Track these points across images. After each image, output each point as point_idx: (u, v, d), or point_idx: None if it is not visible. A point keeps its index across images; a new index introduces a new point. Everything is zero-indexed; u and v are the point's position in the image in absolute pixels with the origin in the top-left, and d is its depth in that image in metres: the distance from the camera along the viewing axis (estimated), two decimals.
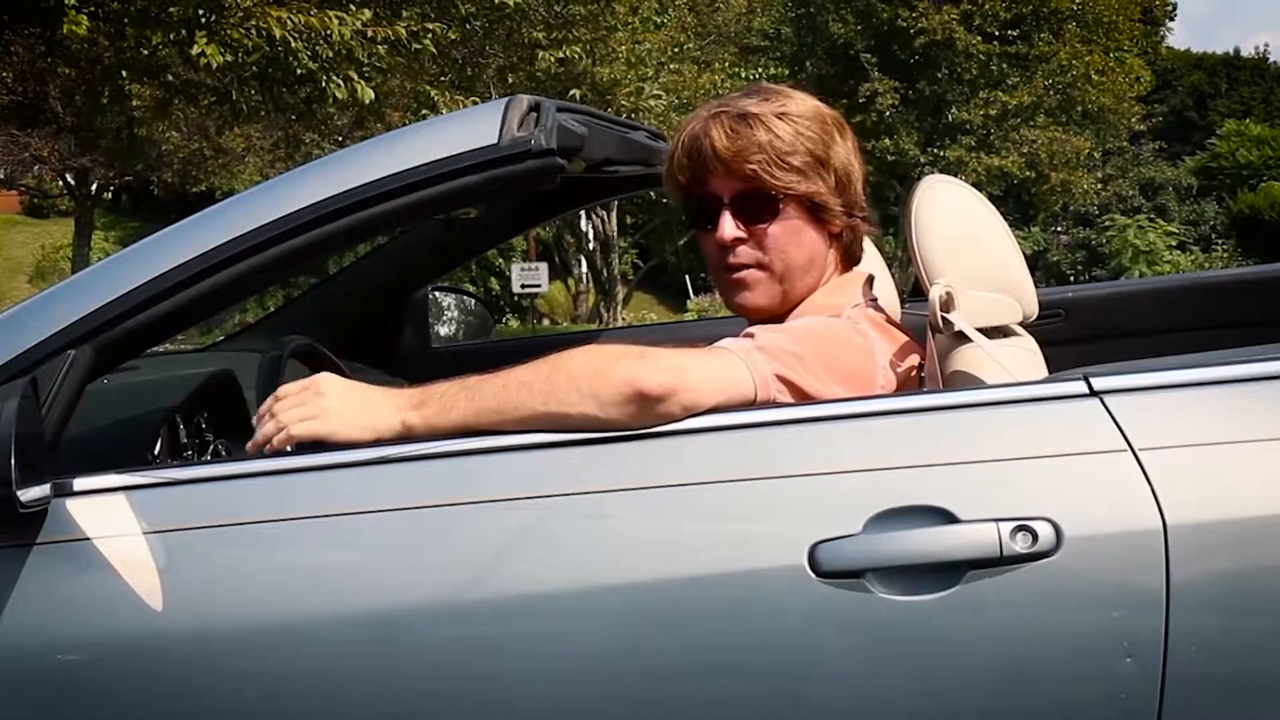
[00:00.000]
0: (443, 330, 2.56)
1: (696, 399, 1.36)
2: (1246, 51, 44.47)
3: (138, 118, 13.74)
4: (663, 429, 1.34)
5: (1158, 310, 2.19)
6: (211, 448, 1.76)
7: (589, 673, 1.29)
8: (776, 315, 1.63)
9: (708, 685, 1.29)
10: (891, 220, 28.89)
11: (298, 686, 1.32)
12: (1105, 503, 1.26)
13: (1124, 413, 1.28)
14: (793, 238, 1.60)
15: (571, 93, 12.22)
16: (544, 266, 19.47)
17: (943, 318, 1.47)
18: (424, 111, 12.00)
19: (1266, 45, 71.79)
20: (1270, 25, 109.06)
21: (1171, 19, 34.36)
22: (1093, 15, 23.28)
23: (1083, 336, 2.20)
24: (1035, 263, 31.63)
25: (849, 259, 1.68)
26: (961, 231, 1.57)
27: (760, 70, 20.63)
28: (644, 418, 1.34)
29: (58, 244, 23.91)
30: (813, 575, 1.25)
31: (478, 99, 11.74)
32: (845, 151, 1.63)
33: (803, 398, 1.42)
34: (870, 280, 1.68)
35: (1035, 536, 1.24)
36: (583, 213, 20.32)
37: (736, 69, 19.64)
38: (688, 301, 24.92)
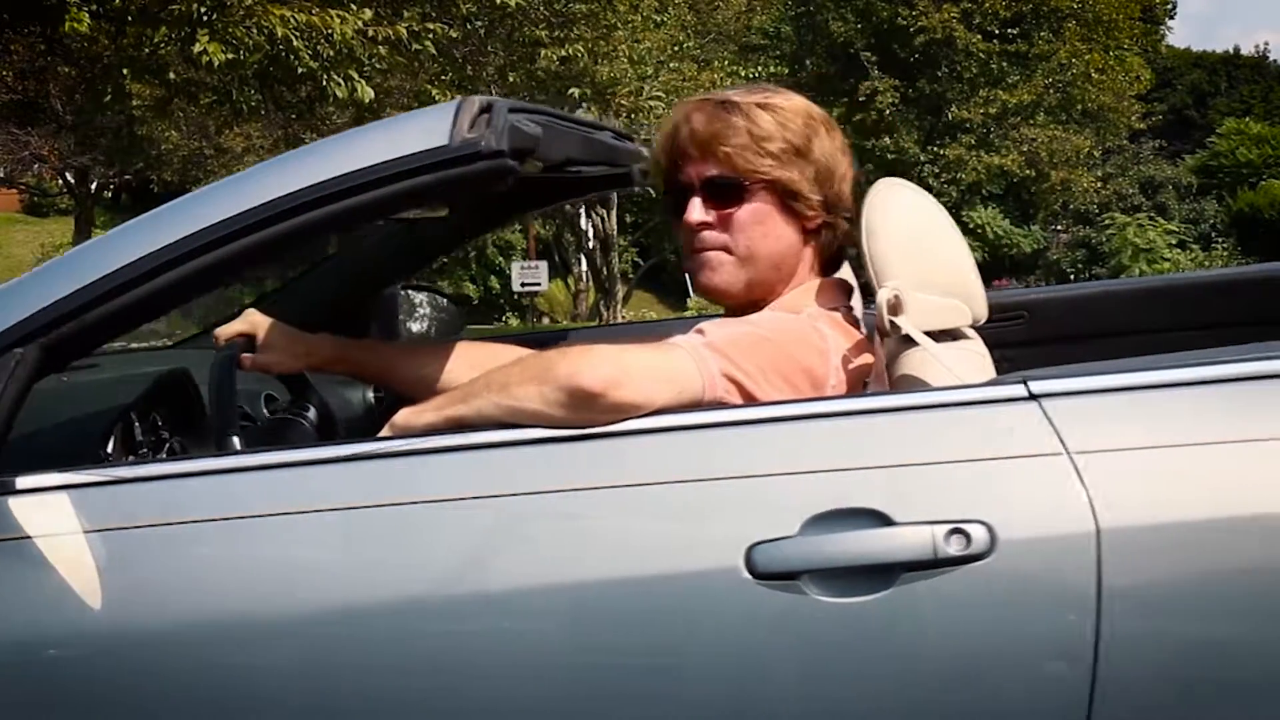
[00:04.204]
0: (415, 328, 2.56)
1: (641, 396, 1.35)
2: (1246, 50, 44.52)
3: (138, 116, 13.75)
4: (604, 430, 1.34)
5: (1119, 312, 2.20)
6: (168, 446, 1.76)
7: (534, 671, 1.30)
8: (743, 306, 1.61)
9: (652, 686, 1.29)
10: None
11: (240, 686, 1.33)
12: (1040, 505, 1.27)
13: (1061, 416, 1.29)
14: (760, 225, 1.58)
15: (571, 91, 12.21)
16: (544, 265, 19.48)
17: (889, 321, 1.47)
18: None
19: (1266, 44, 71.83)
20: (1270, 24, 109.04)
21: (1171, 17, 34.40)
22: (1093, 14, 23.31)
23: (1045, 338, 2.20)
24: (1035, 261, 31.64)
25: (829, 263, 1.65)
26: (912, 235, 1.57)
27: (760, 69, 20.64)
28: (589, 414, 1.34)
29: (57, 243, 23.89)
30: (750, 577, 1.26)
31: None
32: (830, 148, 1.60)
33: (749, 397, 1.42)
34: (850, 291, 1.65)
35: (969, 539, 1.24)
36: (583, 211, 20.32)
37: (736, 68, 19.64)
38: (688, 300, 24.90)
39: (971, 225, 30.86)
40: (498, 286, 26.29)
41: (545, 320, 24.39)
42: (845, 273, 1.67)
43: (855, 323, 1.59)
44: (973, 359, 1.60)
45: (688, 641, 1.28)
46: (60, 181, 22.55)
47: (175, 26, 7.95)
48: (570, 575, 1.30)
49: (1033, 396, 1.30)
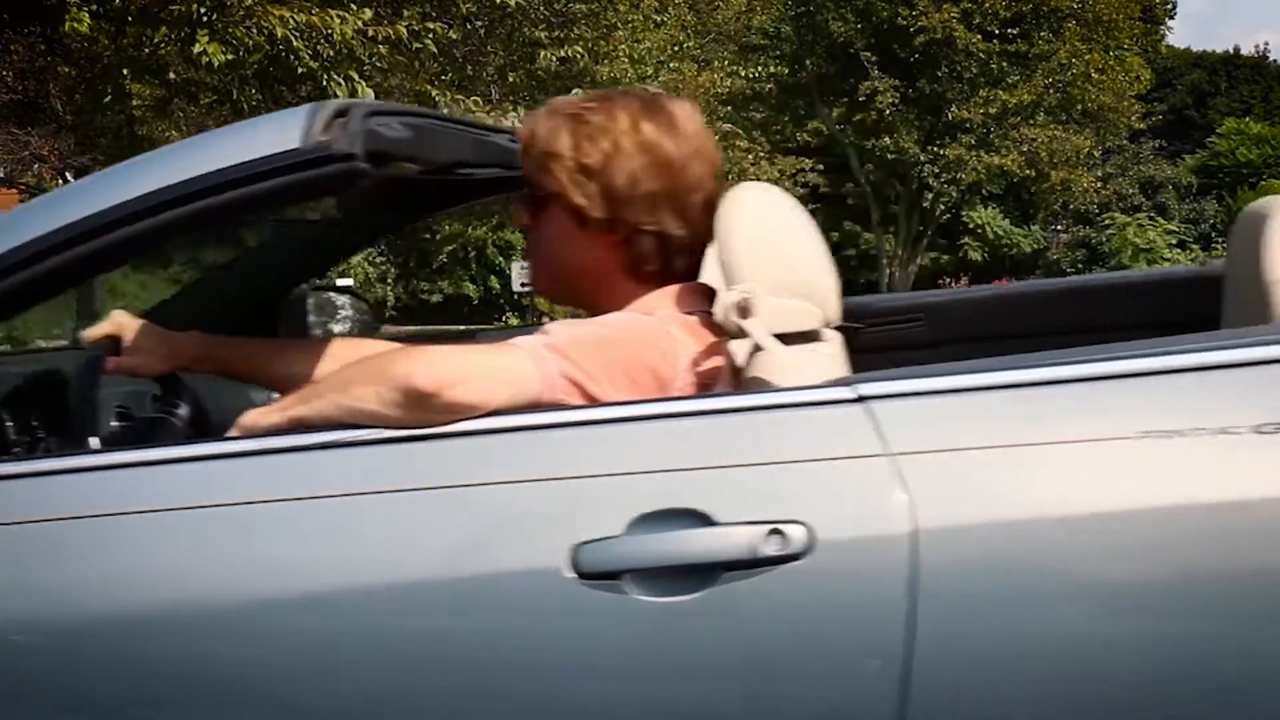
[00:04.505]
0: (333, 329, 2.55)
1: (476, 397, 1.36)
2: (1246, 50, 44.53)
3: (138, 116, 13.74)
4: (436, 431, 1.35)
5: (1023, 315, 2.23)
6: (43, 445, 1.76)
7: (359, 671, 1.31)
8: (586, 308, 1.64)
9: (482, 685, 1.30)
10: (892, 219, 28.64)
11: (72, 684, 1.34)
12: (859, 506, 1.28)
13: (885, 418, 1.30)
14: (555, 236, 1.61)
15: (574, 91, 12.23)
16: None
17: (733, 323, 1.48)
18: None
19: (1266, 44, 71.90)
20: (1270, 24, 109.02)
21: (1171, 17, 34.41)
22: (1093, 14, 23.31)
23: (941, 340, 2.22)
24: (1035, 261, 31.67)
25: (658, 273, 1.63)
26: (764, 239, 1.57)
27: (760, 69, 20.64)
28: (423, 415, 1.35)
29: None
30: (574, 576, 1.27)
31: (479, 98, 11.74)
32: (635, 167, 1.58)
33: (591, 398, 1.43)
34: (712, 295, 1.63)
35: (788, 539, 1.26)
36: None
37: (736, 68, 19.65)
38: None
39: (971, 225, 30.90)
40: (498, 286, 26.29)
41: (545, 320, 24.39)
42: (712, 277, 1.68)
43: (715, 326, 1.59)
44: (822, 361, 1.61)
45: (513, 641, 1.30)
46: (60, 181, 22.56)
47: (175, 26, 7.97)
48: (395, 576, 1.31)
49: (860, 399, 1.32)
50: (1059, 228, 32.99)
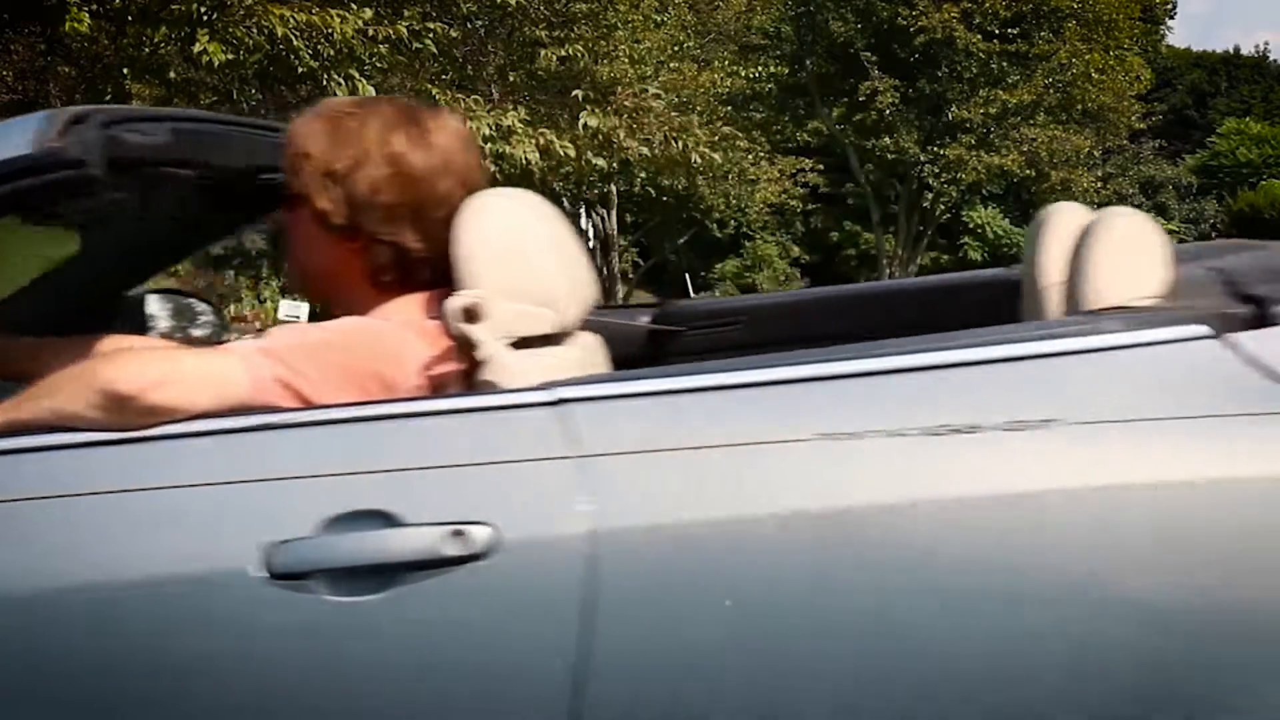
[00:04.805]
0: (176, 332, 2.53)
1: (180, 400, 1.37)
2: (1246, 50, 44.52)
3: None
4: (133, 435, 1.36)
5: (823, 318, 2.27)
6: None
7: (51, 675, 1.32)
8: (341, 310, 1.64)
9: (176, 689, 1.31)
10: (892, 219, 28.58)
11: None
12: (544, 508, 1.30)
13: (581, 422, 1.33)
14: (302, 238, 1.63)
15: (575, 92, 12.21)
16: None
17: (457, 328, 1.49)
18: None
19: (1266, 44, 71.89)
20: (1270, 24, 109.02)
21: (1171, 17, 34.38)
22: (1093, 14, 23.28)
23: (760, 343, 2.22)
24: None
25: (397, 282, 1.64)
26: (502, 245, 1.58)
27: (760, 69, 20.63)
28: (125, 417, 1.36)
29: None
30: (265, 577, 1.29)
31: (479, 98, 11.73)
32: (378, 177, 1.59)
33: (306, 401, 1.43)
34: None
35: (471, 539, 1.28)
36: (583, 211, 20.31)
37: (736, 67, 19.64)
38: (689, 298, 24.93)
39: (971, 225, 30.89)
40: None
41: None
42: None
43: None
44: (559, 365, 1.62)
45: (213, 644, 1.31)
46: None
47: (175, 26, 7.97)
48: (88, 578, 1.31)
49: (559, 402, 1.34)
50: None
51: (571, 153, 11.22)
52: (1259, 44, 72.43)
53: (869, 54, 23.11)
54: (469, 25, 11.42)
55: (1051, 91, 23.35)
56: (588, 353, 1.76)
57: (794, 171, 21.98)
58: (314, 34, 7.88)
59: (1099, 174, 27.65)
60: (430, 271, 1.62)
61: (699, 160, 12.56)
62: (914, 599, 1.25)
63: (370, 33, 8.29)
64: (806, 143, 25.29)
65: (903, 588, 1.26)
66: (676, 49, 17.85)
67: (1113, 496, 1.25)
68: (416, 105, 1.71)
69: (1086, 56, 22.95)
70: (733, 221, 25.60)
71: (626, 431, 1.33)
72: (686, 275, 26.00)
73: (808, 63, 24.15)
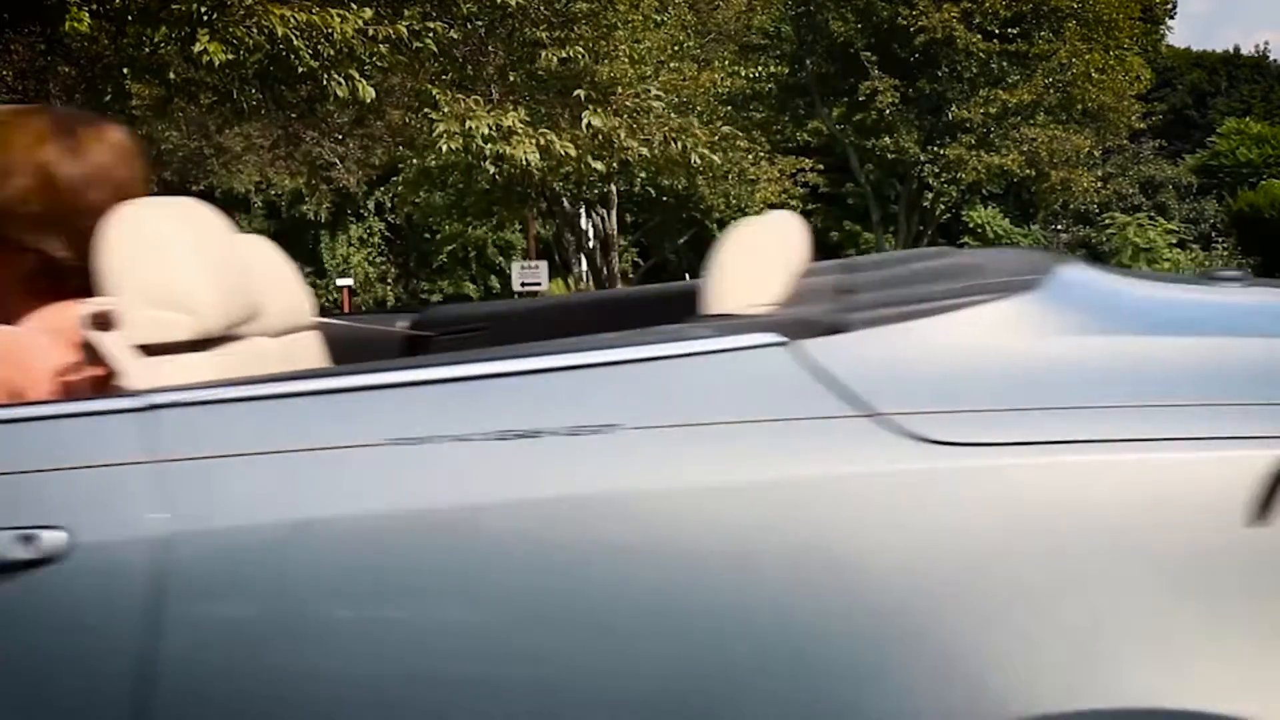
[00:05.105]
0: None
1: None
2: (1246, 50, 44.52)
3: (138, 116, 13.74)
4: None
5: (557, 324, 2.31)
6: None
7: None
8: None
9: None
10: (892, 219, 28.56)
11: None
12: (121, 511, 1.32)
13: (166, 427, 1.35)
14: None
15: (576, 93, 12.22)
16: (544, 265, 19.49)
17: (85, 335, 1.50)
18: (425, 110, 12.00)
19: (1266, 43, 71.93)
20: (1270, 24, 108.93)
21: (1172, 17, 34.37)
22: (1093, 13, 23.30)
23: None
24: None
25: (49, 290, 1.67)
26: (142, 253, 1.60)
27: (760, 69, 20.63)
28: None
29: None
30: None
31: (479, 97, 11.73)
32: (24, 186, 1.63)
33: None
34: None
35: (41, 543, 1.29)
36: (583, 211, 20.32)
37: (736, 67, 19.64)
38: None
39: (971, 225, 30.90)
40: (498, 286, 26.31)
41: None
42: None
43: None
44: (204, 371, 1.64)
45: None
46: None
47: (175, 26, 7.97)
48: None
49: (150, 408, 1.36)
50: (1059, 227, 32.99)
51: (572, 153, 11.23)
52: (1259, 44, 72.44)
53: (869, 54, 23.11)
54: (469, 25, 11.42)
55: (1051, 91, 23.35)
56: (238, 358, 1.76)
57: (794, 171, 21.99)
58: (314, 34, 7.88)
59: (1099, 174, 27.65)
60: (84, 280, 1.63)
61: (699, 160, 12.57)
62: (479, 602, 1.28)
63: (370, 32, 8.29)
64: (806, 143, 25.31)
65: (468, 590, 1.28)
66: (676, 49, 17.86)
67: (669, 500, 1.28)
68: (76, 115, 1.73)
69: (1086, 56, 22.96)
70: (733, 221, 25.60)
71: (208, 437, 1.35)
72: (687, 275, 26.00)
73: (808, 62, 24.16)
